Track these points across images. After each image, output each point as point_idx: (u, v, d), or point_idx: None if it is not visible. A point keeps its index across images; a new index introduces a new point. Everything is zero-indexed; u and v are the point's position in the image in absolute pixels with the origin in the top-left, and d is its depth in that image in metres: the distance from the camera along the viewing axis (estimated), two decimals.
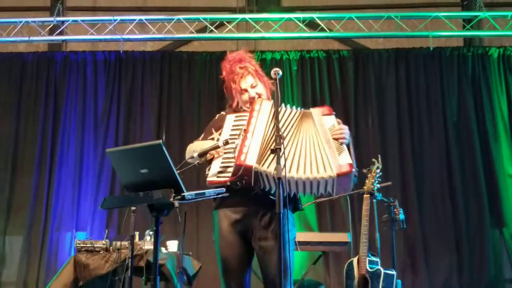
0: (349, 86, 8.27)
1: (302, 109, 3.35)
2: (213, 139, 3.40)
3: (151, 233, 4.94)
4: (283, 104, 3.31)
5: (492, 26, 8.13)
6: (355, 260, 4.49)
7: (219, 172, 3.17)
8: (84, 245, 4.95)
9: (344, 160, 3.08)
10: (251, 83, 3.47)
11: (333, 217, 7.70)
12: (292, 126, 3.24)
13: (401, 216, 4.76)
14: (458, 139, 8.04)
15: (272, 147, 2.97)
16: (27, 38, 8.29)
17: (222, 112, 3.58)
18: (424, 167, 8.00)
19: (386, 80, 8.28)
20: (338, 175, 3.04)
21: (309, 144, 3.18)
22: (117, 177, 8.03)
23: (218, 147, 3.26)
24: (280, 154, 2.89)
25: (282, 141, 2.94)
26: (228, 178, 3.12)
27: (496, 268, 7.64)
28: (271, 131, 3.18)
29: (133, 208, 3.61)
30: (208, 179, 3.18)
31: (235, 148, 3.18)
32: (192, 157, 3.27)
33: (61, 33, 8.34)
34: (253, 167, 3.06)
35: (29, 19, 8.31)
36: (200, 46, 8.81)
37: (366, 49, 8.61)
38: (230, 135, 3.28)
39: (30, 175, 8.12)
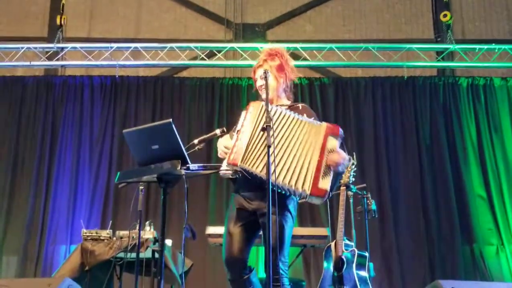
0: (330, 111, 8.86)
1: (312, 119, 3.76)
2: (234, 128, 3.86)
3: (151, 223, 5.44)
4: (277, 108, 3.73)
5: (462, 59, 8.84)
6: (332, 244, 5.01)
7: (226, 166, 3.67)
8: (90, 234, 5.41)
9: (323, 185, 3.48)
10: (260, 75, 3.93)
11: (312, 215, 8.26)
12: (289, 129, 3.63)
13: (373, 207, 5.30)
14: (430, 162, 8.63)
15: (259, 146, 3.52)
16: (28, 63, 8.83)
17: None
18: (399, 187, 8.55)
19: (364, 106, 8.90)
20: (311, 195, 3.49)
21: (301, 154, 3.56)
22: (111, 194, 8.53)
23: (215, 134, 3.81)
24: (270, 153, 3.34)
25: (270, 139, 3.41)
26: (230, 172, 3.65)
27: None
28: (258, 132, 3.60)
29: (141, 187, 4.10)
30: (220, 173, 3.69)
31: (232, 145, 3.67)
32: (193, 143, 3.79)
33: (60, 59, 8.90)
34: (238, 165, 3.55)
35: (31, 45, 8.87)
36: (189, 73, 9.40)
37: (346, 78, 9.23)
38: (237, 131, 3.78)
39: (27, 192, 8.54)
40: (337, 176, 3.65)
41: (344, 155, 3.60)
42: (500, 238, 8.28)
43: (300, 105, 3.97)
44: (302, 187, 3.49)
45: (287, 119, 3.66)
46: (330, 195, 3.55)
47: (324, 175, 3.51)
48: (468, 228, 8.36)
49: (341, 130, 3.67)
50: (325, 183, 3.50)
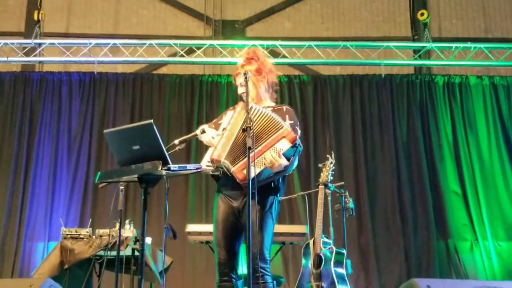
0: (309, 108, 8.93)
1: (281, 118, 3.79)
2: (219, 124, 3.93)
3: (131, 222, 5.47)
4: (256, 106, 3.76)
5: (439, 57, 8.98)
6: (311, 241, 5.08)
7: (208, 162, 3.76)
8: (70, 233, 5.41)
9: (246, 172, 3.50)
10: (240, 82, 3.95)
11: (291, 213, 8.35)
12: (262, 125, 3.69)
13: (351, 205, 5.39)
14: (407, 158, 8.76)
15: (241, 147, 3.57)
16: (5, 59, 8.75)
17: (234, 106, 4.10)
18: (377, 184, 8.67)
19: (342, 103, 8.99)
20: (233, 172, 3.59)
21: (257, 141, 3.63)
22: (89, 192, 8.51)
23: (196, 135, 3.85)
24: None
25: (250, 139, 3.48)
26: (211, 168, 3.72)
27: (442, 277, 8.23)
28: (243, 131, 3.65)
29: (121, 187, 4.13)
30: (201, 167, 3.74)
31: (217, 143, 3.73)
32: (174, 143, 3.82)
33: (37, 55, 8.84)
34: (222, 162, 3.63)
35: (8, 41, 8.80)
36: (169, 70, 9.41)
37: (324, 75, 9.31)
38: (223, 129, 3.82)
39: (5, 189, 8.49)
40: (271, 173, 3.66)
41: (282, 160, 3.61)
42: (475, 234, 8.43)
43: (284, 107, 3.99)
44: (232, 164, 3.60)
45: (264, 117, 3.70)
46: (246, 183, 3.52)
47: (254, 165, 3.56)
48: (443, 224, 8.50)
49: (298, 140, 3.70)
50: (252, 172, 3.52)
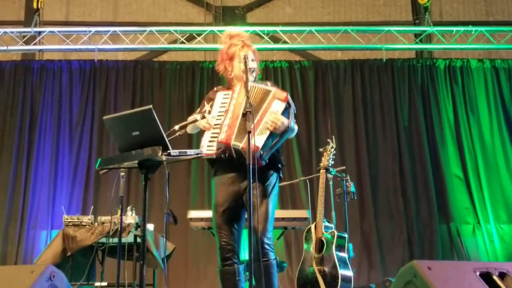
0: (310, 93, 8.91)
1: (269, 86, 3.90)
2: (205, 111, 3.91)
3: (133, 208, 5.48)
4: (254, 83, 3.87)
5: (440, 41, 8.95)
6: (313, 226, 5.10)
7: (208, 146, 3.74)
8: (72, 220, 5.43)
9: (253, 141, 3.55)
10: (252, 58, 3.97)
11: (293, 197, 8.38)
12: (256, 102, 3.77)
13: (352, 189, 5.41)
14: (409, 142, 8.77)
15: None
16: (5, 48, 8.73)
17: (215, 88, 4.09)
18: (379, 168, 8.67)
19: (343, 88, 8.97)
20: (242, 149, 3.60)
21: (255, 116, 3.67)
22: (91, 179, 8.53)
23: (196, 120, 3.84)
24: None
25: (251, 117, 3.49)
26: (214, 152, 3.70)
27: (444, 260, 8.26)
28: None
29: (122, 173, 4.13)
30: (203, 152, 3.71)
31: (220, 125, 3.73)
32: (174, 129, 3.82)
33: (37, 43, 8.82)
34: (231, 144, 3.64)
35: (7, 30, 8.77)
36: (169, 57, 9.38)
37: (325, 61, 9.29)
38: (219, 112, 3.84)
39: (7, 178, 8.50)
40: (277, 136, 3.75)
41: (283, 118, 3.70)
42: (477, 217, 8.46)
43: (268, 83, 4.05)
44: (240, 143, 3.63)
45: (256, 90, 3.82)
46: (262, 153, 3.64)
47: (260, 133, 3.65)
48: (445, 207, 8.53)
49: (289, 97, 3.79)
50: (257, 140, 3.60)
